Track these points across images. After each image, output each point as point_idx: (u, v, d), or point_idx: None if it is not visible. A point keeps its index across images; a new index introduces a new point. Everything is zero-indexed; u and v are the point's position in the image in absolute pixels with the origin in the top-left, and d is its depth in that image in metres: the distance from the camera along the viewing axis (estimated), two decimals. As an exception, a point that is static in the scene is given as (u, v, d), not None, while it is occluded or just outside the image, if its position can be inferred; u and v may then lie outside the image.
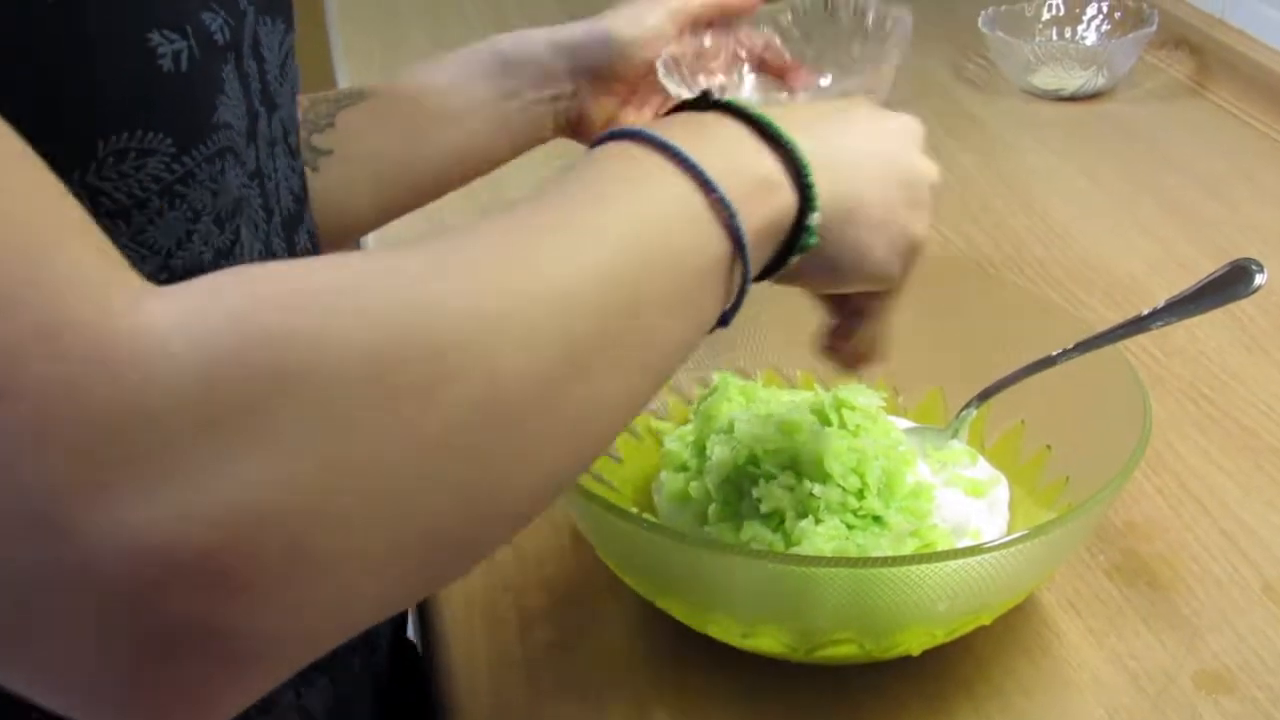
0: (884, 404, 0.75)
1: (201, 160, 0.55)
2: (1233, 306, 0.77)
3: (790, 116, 0.57)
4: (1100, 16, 1.39)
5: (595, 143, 0.54)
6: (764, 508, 0.68)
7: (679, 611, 0.68)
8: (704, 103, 0.56)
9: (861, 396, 0.73)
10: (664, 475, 0.74)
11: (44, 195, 0.42)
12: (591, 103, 0.88)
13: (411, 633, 0.85)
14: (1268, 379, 0.91)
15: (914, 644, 0.65)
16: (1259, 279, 0.75)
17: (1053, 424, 0.76)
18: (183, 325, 0.40)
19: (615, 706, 0.67)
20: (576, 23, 0.88)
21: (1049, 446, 0.76)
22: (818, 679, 0.67)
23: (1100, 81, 1.32)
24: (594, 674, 0.69)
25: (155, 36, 0.52)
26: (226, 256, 0.58)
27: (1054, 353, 0.75)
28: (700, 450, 0.73)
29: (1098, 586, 0.74)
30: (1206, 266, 0.77)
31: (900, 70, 0.89)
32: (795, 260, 0.56)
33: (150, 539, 0.38)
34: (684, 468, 0.73)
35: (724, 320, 0.54)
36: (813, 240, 0.55)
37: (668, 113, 0.57)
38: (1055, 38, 1.38)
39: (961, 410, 0.77)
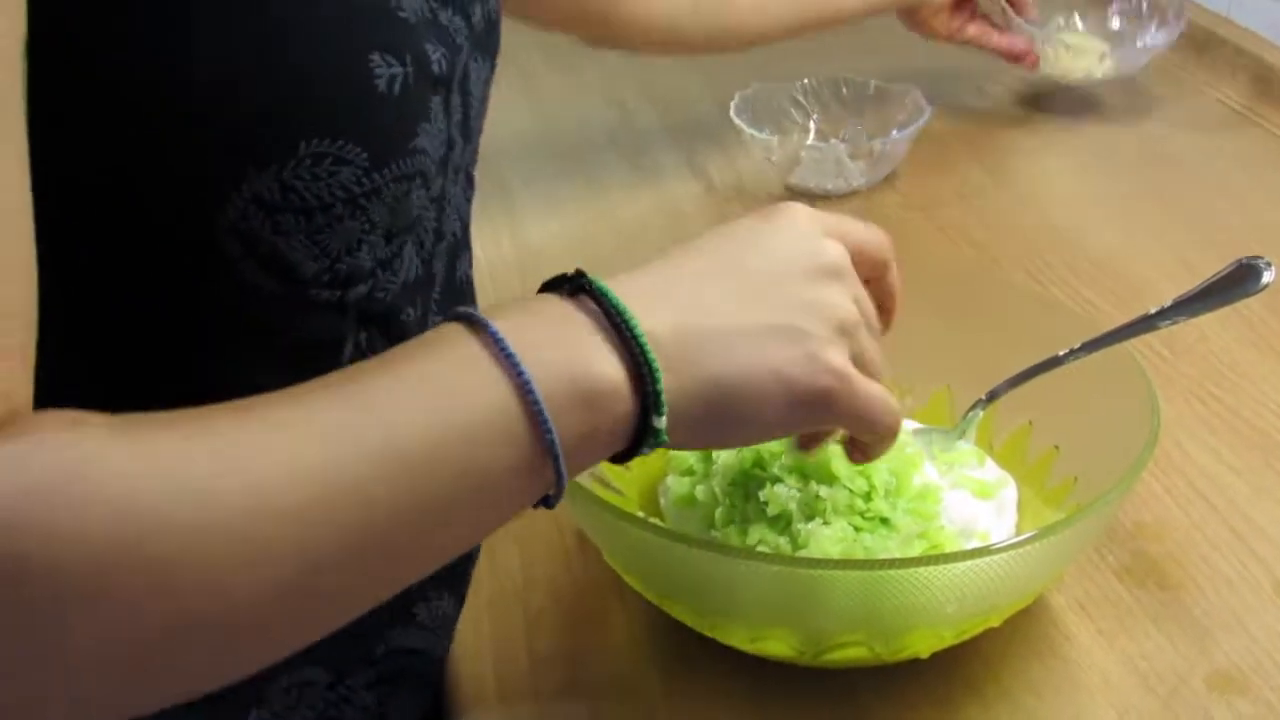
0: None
1: (390, 179, 0.56)
2: (1241, 305, 0.76)
3: (659, 285, 0.55)
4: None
5: (445, 318, 0.53)
6: (771, 510, 0.68)
7: (686, 616, 0.67)
8: (574, 281, 0.54)
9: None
10: (670, 479, 0.74)
11: None
12: None
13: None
14: (1276, 377, 0.90)
15: (923, 646, 0.65)
16: (1267, 277, 0.74)
17: (1061, 424, 0.76)
18: None
19: (622, 712, 0.67)
20: None
21: (1057, 447, 0.75)
22: (826, 682, 0.67)
23: (1107, 67, 1.29)
24: (601, 679, 0.69)
25: (376, 58, 0.54)
26: (385, 268, 0.59)
27: (1061, 353, 0.75)
28: (706, 454, 0.73)
29: (1107, 587, 0.73)
30: (1214, 266, 0.77)
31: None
32: (646, 450, 0.53)
33: None
34: (690, 471, 0.73)
35: (546, 503, 0.52)
36: (662, 439, 0.52)
37: (541, 289, 0.55)
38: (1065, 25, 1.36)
39: (969, 411, 0.77)
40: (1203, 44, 1.38)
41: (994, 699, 0.67)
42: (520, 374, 0.49)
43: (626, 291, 0.53)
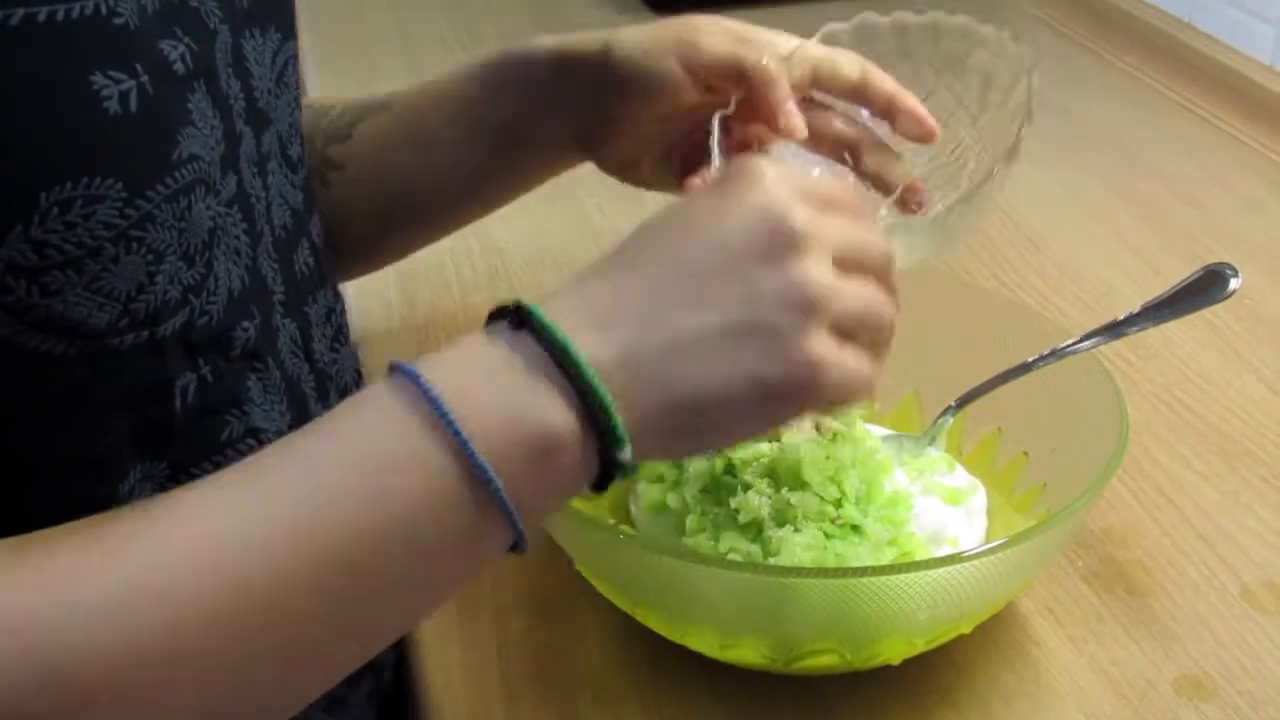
0: (861, 412, 0.74)
1: (161, 200, 0.52)
2: (1206, 311, 0.77)
3: (604, 302, 0.50)
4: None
5: (391, 368, 0.50)
6: (742, 518, 0.67)
7: (658, 623, 0.67)
8: (515, 314, 0.50)
9: (838, 405, 0.73)
10: (641, 486, 0.73)
11: None
12: (597, 136, 0.79)
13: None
14: (1242, 383, 0.91)
15: (894, 654, 0.65)
16: (1233, 284, 0.75)
17: (1029, 430, 0.76)
18: None
19: (594, 719, 0.67)
20: (586, 34, 0.78)
21: (1026, 453, 0.76)
22: (798, 690, 0.67)
23: None
24: (573, 687, 0.68)
25: (99, 79, 0.49)
26: (196, 293, 0.56)
27: (1030, 359, 0.75)
28: (678, 460, 0.73)
29: (1076, 593, 0.74)
30: (1180, 271, 0.78)
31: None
32: (620, 478, 0.51)
33: None
34: (661, 478, 0.73)
35: (515, 549, 0.50)
36: (628, 469, 0.50)
37: (486, 322, 0.51)
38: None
39: (938, 417, 0.77)
40: (1167, 50, 1.39)
41: (965, 706, 0.67)
42: (459, 436, 0.47)
43: (568, 318, 0.50)
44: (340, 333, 0.73)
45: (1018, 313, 0.86)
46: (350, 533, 0.46)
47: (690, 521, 0.69)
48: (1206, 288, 0.75)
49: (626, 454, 0.50)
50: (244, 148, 0.60)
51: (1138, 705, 0.67)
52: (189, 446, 0.58)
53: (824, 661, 0.64)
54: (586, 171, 1.00)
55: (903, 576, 0.60)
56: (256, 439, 0.61)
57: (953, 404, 0.77)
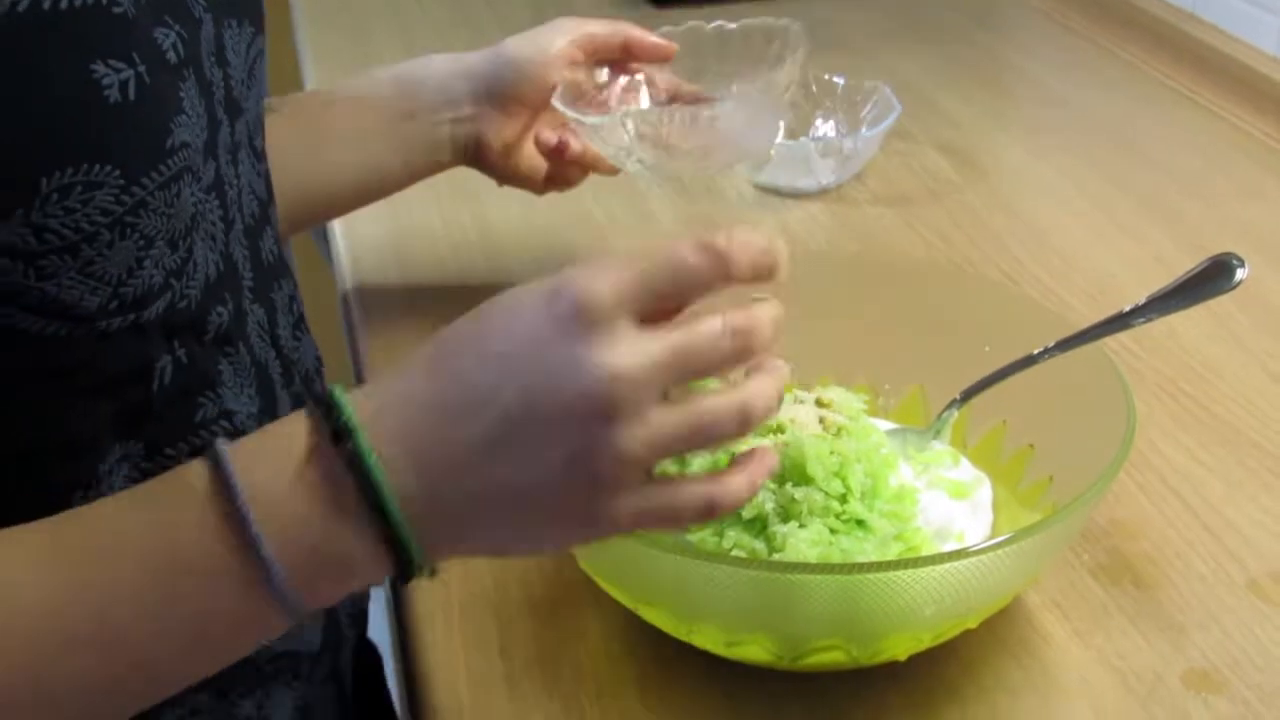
0: (865, 406, 0.74)
1: (155, 188, 0.53)
2: (1211, 302, 0.76)
3: (422, 430, 0.49)
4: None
5: (197, 450, 0.52)
6: (746, 513, 0.67)
7: (663, 621, 0.67)
8: (335, 426, 0.49)
9: (843, 398, 0.73)
10: (644, 482, 0.73)
11: None
12: (489, 128, 0.88)
13: (373, 635, 0.85)
14: (1247, 374, 0.90)
15: (900, 650, 0.65)
16: (1240, 274, 0.74)
17: (1035, 423, 0.75)
18: None
19: (599, 717, 0.66)
20: (480, 50, 0.90)
21: (1031, 446, 0.75)
22: (804, 687, 0.67)
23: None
24: (577, 685, 0.68)
25: (100, 68, 0.50)
26: (177, 277, 0.57)
27: (1035, 351, 0.74)
28: (681, 456, 0.72)
29: (1083, 586, 0.73)
30: (1185, 262, 0.77)
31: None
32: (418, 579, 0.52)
33: None
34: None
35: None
36: (426, 577, 0.52)
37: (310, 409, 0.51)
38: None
39: (943, 411, 0.76)
40: (1170, 41, 1.39)
41: (972, 701, 0.66)
42: (261, 555, 0.49)
43: (387, 447, 0.49)
44: (301, 320, 0.74)
45: (1022, 305, 0.85)
46: (130, 595, 0.49)
47: (694, 517, 0.69)
48: (1212, 278, 0.75)
49: (425, 573, 0.51)
50: (221, 135, 0.61)
51: (1146, 699, 0.66)
52: (165, 427, 0.60)
53: (830, 658, 0.64)
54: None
55: (909, 572, 0.60)
56: (230, 421, 0.62)
57: (958, 397, 0.76)
